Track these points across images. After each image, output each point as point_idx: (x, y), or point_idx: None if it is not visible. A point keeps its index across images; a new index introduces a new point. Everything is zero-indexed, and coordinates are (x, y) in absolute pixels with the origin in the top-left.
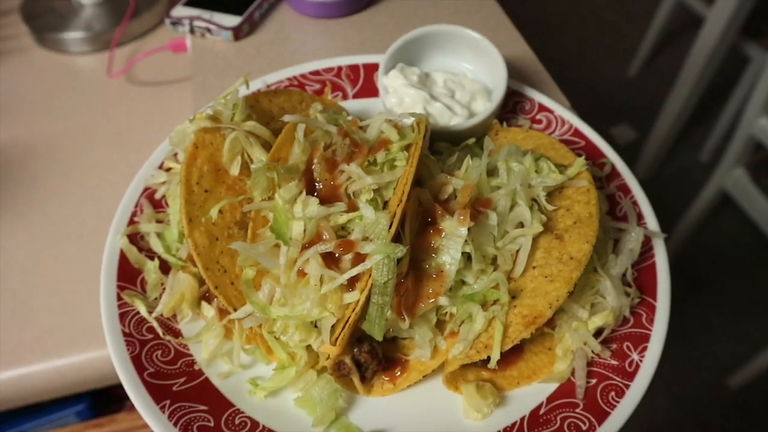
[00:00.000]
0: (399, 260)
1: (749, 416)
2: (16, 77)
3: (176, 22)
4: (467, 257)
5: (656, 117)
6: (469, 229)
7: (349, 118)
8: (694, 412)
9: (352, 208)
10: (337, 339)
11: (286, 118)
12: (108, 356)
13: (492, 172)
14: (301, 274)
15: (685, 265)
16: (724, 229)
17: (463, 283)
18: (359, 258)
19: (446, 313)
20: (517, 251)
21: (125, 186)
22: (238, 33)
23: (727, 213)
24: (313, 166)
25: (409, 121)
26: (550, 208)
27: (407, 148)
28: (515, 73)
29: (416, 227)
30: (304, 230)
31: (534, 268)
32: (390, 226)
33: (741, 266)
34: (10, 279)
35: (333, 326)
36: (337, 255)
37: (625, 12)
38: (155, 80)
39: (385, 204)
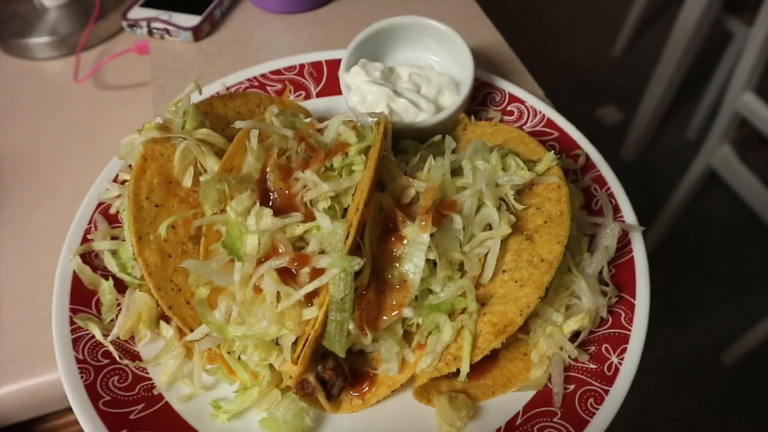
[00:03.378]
0: (358, 272)
1: (744, 391)
2: None
3: (133, 25)
4: (432, 264)
5: (642, 96)
6: (432, 235)
7: (308, 120)
8: (689, 388)
9: (309, 217)
10: (298, 357)
11: (238, 124)
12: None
13: (457, 171)
14: (258, 290)
15: (675, 243)
16: (713, 206)
17: (430, 291)
18: (317, 271)
19: (413, 323)
20: (486, 255)
21: None
22: (198, 33)
23: (715, 190)
24: (267, 175)
25: (371, 120)
26: (519, 207)
27: (366, 150)
28: (486, 62)
29: (377, 235)
30: (259, 244)
31: (504, 272)
32: (347, 237)
33: (730, 242)
34: None
35: (294, 344)
36: (293, 270)
37: None
38: (122, 83)
39: (345, 211)
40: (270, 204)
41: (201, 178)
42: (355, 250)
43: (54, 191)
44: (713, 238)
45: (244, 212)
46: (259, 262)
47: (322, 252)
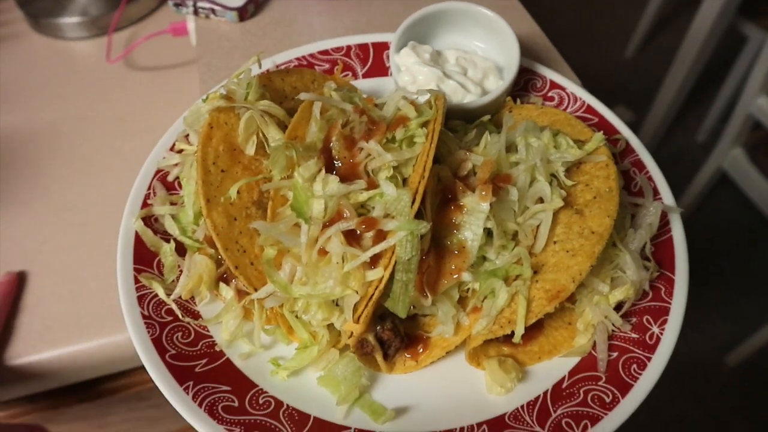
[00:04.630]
0: (421, 237)
1: (747, 393)
2: (14, 64)
3: (179, 4)
4: (488, 233)
5: (653, 98)
6: (490, 205)
7: (365, 96)
8: (692, 390)
9: (372, 185)
10: (359, 317)
11: (302, 96)
12: (119, 341)
13: (510, 148)
14: (322, 252)
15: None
16: (722, 209)
17: (485, 259)
18: (380, 235)
19: (468, 289)
20: (538, 226)
21: (128, 171)
22: (244, 13)
23: (725, 192)
24: (332, 144)
25: (424, 98)
26: (569, 183)
27: (425, 124)
28: (525, 51)
29: (436, 204)
30: (325, 208)
31: (555, 242)
32: (412, 203)
33: (738, 245)
34: (16, 268)
35: (355, 304)
36: (358, 233)
37: None
38: (155, 65)
39: (405, 181)
40: (334, 172)
41: (271, 144)
42: (417, 217)
43: (87, 167)
44: (722, 240)
45: (311, 178)
46: (325, 226)
47: (386, 217)
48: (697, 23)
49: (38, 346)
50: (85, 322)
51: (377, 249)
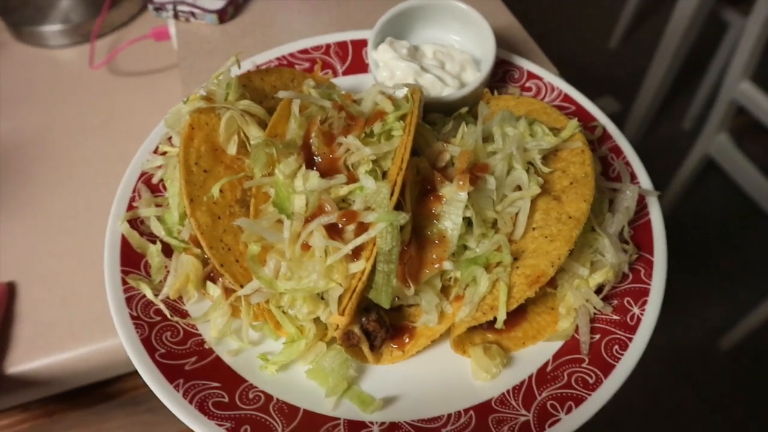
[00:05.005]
0: (402, 228)
1: (740, 377)
2: None
3: (159, 8)
4: (467, 222)
5: (639, 87)
6: (468, 194)
7: (343, 92)
8: (687, 374)
9: (352, 179)
10: (344, 309)
11: (281, 94)
12: (112, 346)
13: (487, 138)
14: (305, 247)
15: (673, 231)
16: (710, 195)
17: (465, 247)
18: (362, 228)
19: (450, 278)
20: (516, 214)
21: (115, 177)
22: (223, 15)
23: (713, 179)
24: (311, 140)
25: (402, 92)
26: (546, 170)
27: (402, 118)
28: (502, 42)
29: (416, 195)
30: (307, 204)
31: (534, 229)
32: (391, 195)
33: (727, 230)
34: (7, 276)
35: (340, 297)
36: (340, 226)
37: None
38: (138, 70)
39: (384, 174)
40: (314, 168)
41: (252, 142)
42: (397, 208)
43: (73, 174)
44: (711, 226)
45: (291, 174)
46: (307, 221)
47: (366, 210)
48: (679, 11)
49: (31, 354)
50: (77, 329)
51: (358, 241)
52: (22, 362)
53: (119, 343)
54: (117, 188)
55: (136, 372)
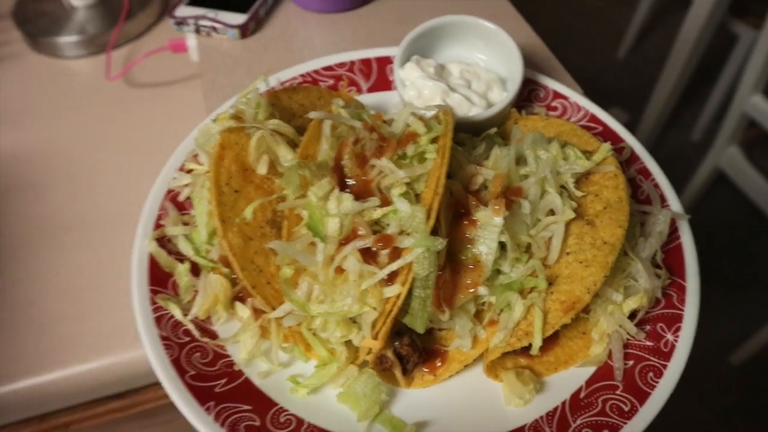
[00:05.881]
0: (438, 252)
1: (751, 392)
2: (13, 84)
3: (181, 22)
4: (501, 246)
5: (647, 99)
6: (503, 218)
7: (373, 113)
8: (696, 388)
9: (385, 202)
10: (378, 333)
11: (312, 114)
12: (130, 359)
13: (519, 160)
14: (339, 270)
15: None
16: (721, 207)
17: (499, 272)
18: (396, 252)
19: (484, 302)
20: (550, 238)
21: (133, 188)
22: (245, 30)
23: (723, 191)
24: (343, 162)
25: (431, 113)
26: (579, 194)
27: (435, 140)
28: (526, 61)
29: (449, 219)
30: (340, 226)
31: (568, 254)
32: (428, 219)
33: (738, 244)
34: (27, 288)
35: (373, 321)
36: (374, 249)
37: None
38: (155, 81)
39: (417, 197)
40: (347, 190)
41: (285, 164)
42: (432, 232)
43: (92, 186)
44: (721, 239)
45: (324, 197)
46: (341, 244)
47: (401, 233)
48: (688, 23)
49: (50, 366)
50: (96, 341)
51: (395, 266)
52: (41, 373)
53: (138, 356)
54: (135, 200)
55: (150, 385)
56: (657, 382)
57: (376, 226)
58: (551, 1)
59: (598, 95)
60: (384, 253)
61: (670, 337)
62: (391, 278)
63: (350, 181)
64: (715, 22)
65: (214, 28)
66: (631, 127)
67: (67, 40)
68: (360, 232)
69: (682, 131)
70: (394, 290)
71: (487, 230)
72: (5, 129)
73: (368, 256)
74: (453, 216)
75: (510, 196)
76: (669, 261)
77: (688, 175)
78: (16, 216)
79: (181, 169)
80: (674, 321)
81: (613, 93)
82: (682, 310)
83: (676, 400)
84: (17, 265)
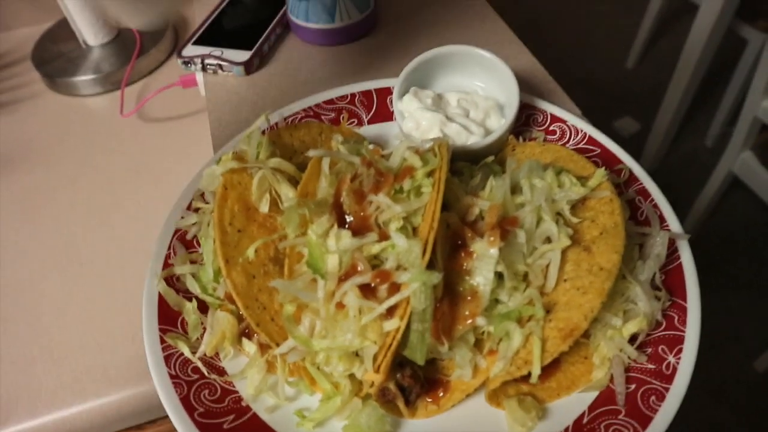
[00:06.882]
0: (435, 286)
1: None
2: (32, 123)
3: (188, 62)
4: (498, 276)
5: (658, 106)
6: (499, 249)
7: (370, 146)
8: (722, 395)
9: (383, 237)
10: (379, 366)
11: (311, 153)
12: (148, 392)
13: (514, 189)
14: (339, 306)
15: (700, 250)
16: (736, 212)
17: (497, 301)
18: (394, 287)
19: (483, 332)
20: (547, 266)
21: (146, 222)
22: (249, 67)
23: (738, 195)
24: (342, 199)
25: (428, 144)
26: (575, 220)
27: (431, 173)
28: (524, 85)
29: (447, 251)
30: (340, 263)
31: (565, 281)
32: (423, 253)
33: (755, 247)
34: (45, 321)
35: (375, 354)
36: (373, 285)
37: (619, 3)
38: (166, 115)
39: (415, 230)
40: (346, 226)
41: (285, 204)
42: (429, 265)
43: (106, 220)
44: (738, 244)
45: (324, 234)
46: (341, 280)
47: (398, 268)
48: (696, 29)
49: (68, 400)
50: (112, 373)
51: (392, 301)
52: (60, 408)
53: (152, 389)
54: (148, 233)
55: (157, 419)
56: (659, 406)
57: (376, 260)
58: (557, 13)
59: (608, 105)
60: (383, 288)
61: (671, 359)
62: (391, 312)
63: (349, 218)
64: (723, 26)
65: (220, 66)
66: (644, 133)
67: (83, 79)
68: (359, 268)
69: (695, 136)
70: (393, 324)
71: (483, 261)
72: (26, 167)
73: (367, 291)
74: (451, 248)
75: (506, 225)
76: (669, 282)
77: (703, 179)
78: (34, 249)
79: (189, 207)
80: (676, 343)
81: (624, 102)
82: (684, 332)
83: (703, 408)
84: (35, 297)
